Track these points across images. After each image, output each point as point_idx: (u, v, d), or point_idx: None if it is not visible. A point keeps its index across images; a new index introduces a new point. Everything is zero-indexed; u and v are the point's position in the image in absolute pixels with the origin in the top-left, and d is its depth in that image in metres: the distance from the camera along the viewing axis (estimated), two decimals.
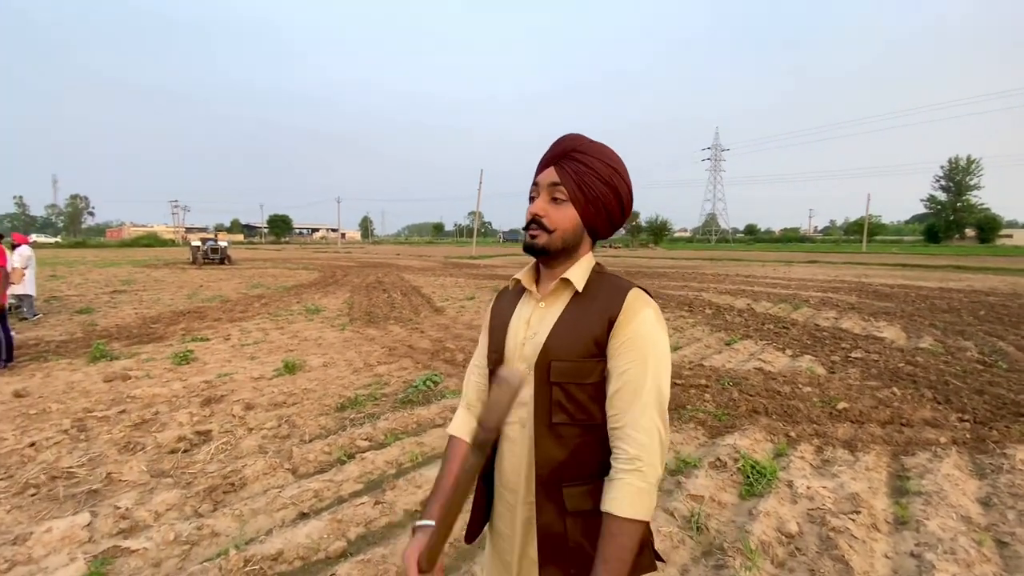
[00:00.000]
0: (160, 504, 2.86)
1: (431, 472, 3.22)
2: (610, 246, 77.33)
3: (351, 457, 3.49)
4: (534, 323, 1.06)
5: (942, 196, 78.42)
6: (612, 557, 0.87)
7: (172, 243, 63.21)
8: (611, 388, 0.97)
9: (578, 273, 1.04)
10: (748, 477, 3.19)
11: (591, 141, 1.05)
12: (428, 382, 5.07)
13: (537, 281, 1.12)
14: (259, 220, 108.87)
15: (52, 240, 75.91)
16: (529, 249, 1.05)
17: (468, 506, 1.03)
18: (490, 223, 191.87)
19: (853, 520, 2.72)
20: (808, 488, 3.07)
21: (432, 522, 1.02)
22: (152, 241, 62.04)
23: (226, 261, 24.76)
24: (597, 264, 1.09)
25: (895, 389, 5.08)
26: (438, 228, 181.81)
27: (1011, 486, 3.09)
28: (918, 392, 5.00)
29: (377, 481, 3.20)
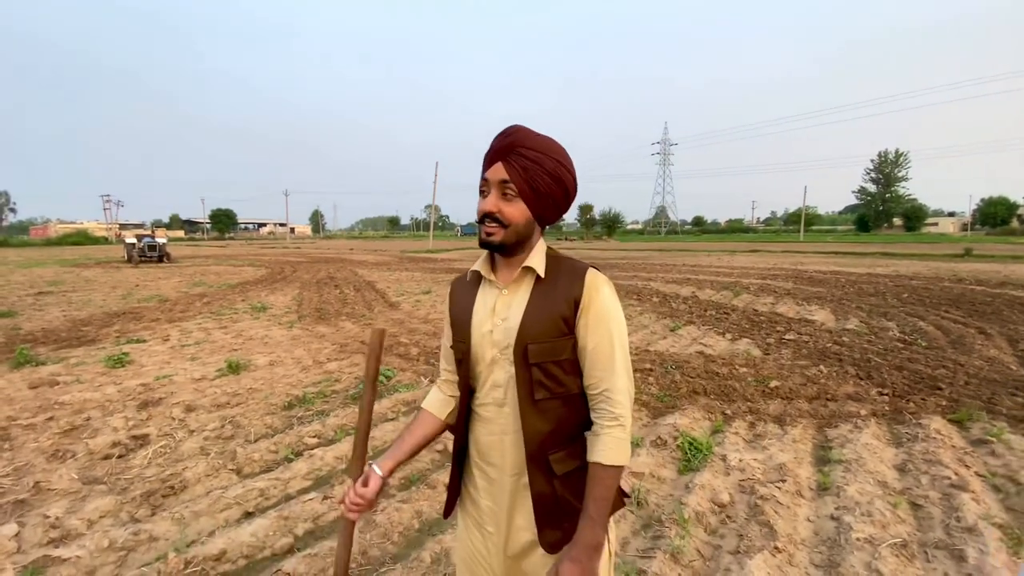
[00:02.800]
0: (93, 511, 2.74)
1: None
2: (565, 239, 78.36)
3: (299, 455, 3.44)
4: (500, 310, 1.12)
5: (872, 188, 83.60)
6: (600, 496, 1.03)
7: (105, 241, 59.18)
8: (587, 360, 1.09)
9: (537, 260, 1.12)
10: (686, 453, 3.37)
11: (536, 135, 1.09)
12: (381, 377, 5.03)
13: (493, 270, 1.18)
14: (201, 215, 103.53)
15: None
16: (486, 244, 1.10)
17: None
18: (447, 216, 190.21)
19: (779, 488, 2.93)
20: (740, 461, 3.27)
21: (382, 472, 1.18)
22: (82, 239, 57.69)
23: (165, 259, 23.45)
24: (549, 248, 1.16)
25: (822, 367, 5.45)
26: (393, 222, 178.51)
27: (925, 453, 3.38)
28: (843, 369, 5.38)
29: (326, 477, 3.18)
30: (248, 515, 2.77)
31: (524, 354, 1.07)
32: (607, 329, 1.07)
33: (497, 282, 1.16)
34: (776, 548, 2.36)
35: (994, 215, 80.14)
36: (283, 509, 2.74)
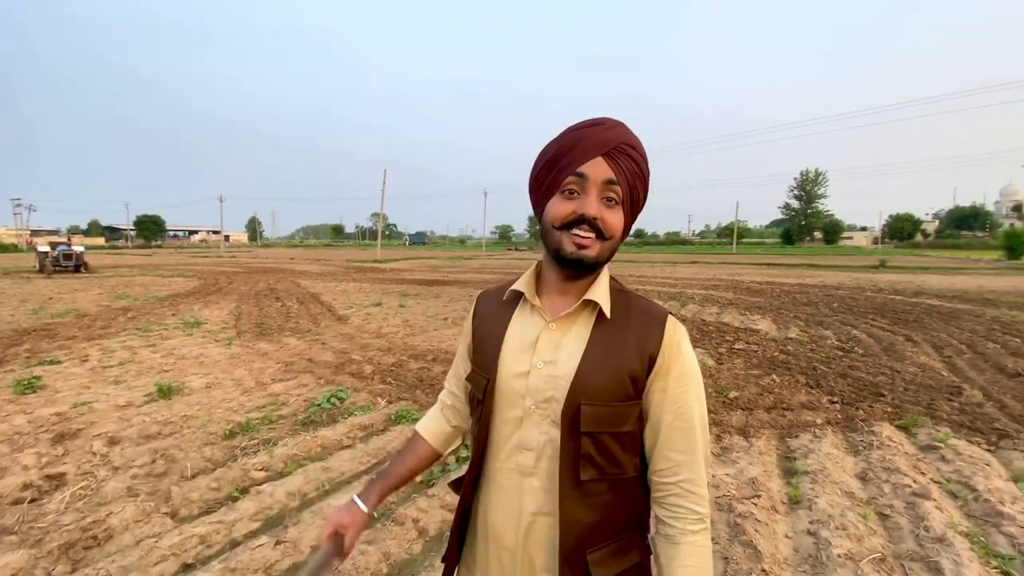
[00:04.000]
0: (2, 570, 2.32)
1: (341, 500, 2.96)
2: (515, 248, 78.84)
3: (244, 492, 3.10)
4: (544, 349, 0.87)
5: (796, 204, 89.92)
6: None
7: (14, 248, 53.72)
8: (660, 438, 0.84)
9: (602, 292, 0.87)
10: None
11: (634, 133, 0.86)
12: (333, 399, 4.71)
13: (538, 292, 0.93)
14: (124, 222, 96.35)
15: None
16: (575, 262, 0.83)
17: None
18: (395, 225, 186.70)
19: (755, 504, 2.91)
20: (714, 476, 3.25)
21: (366, 508, 0.99)
22: None
23: (83, 268, 21.48)
24: (612, 279, 0.92)
25: (775, 376, 5.62)
26: (337, 230, 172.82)
27: (883, 460, 3.49)
28: (793, 378, 5.57)
29: (277, 517, 2.87)
30: (187, 567, 2.43)
31: (575, 417, 0.82)
32: (687, 401, 0.83)
33: (543, 310, 0.89)
34: (763, 571, 2.32)
35: (901, 230, 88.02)
36: (228, 559, 2.42)
